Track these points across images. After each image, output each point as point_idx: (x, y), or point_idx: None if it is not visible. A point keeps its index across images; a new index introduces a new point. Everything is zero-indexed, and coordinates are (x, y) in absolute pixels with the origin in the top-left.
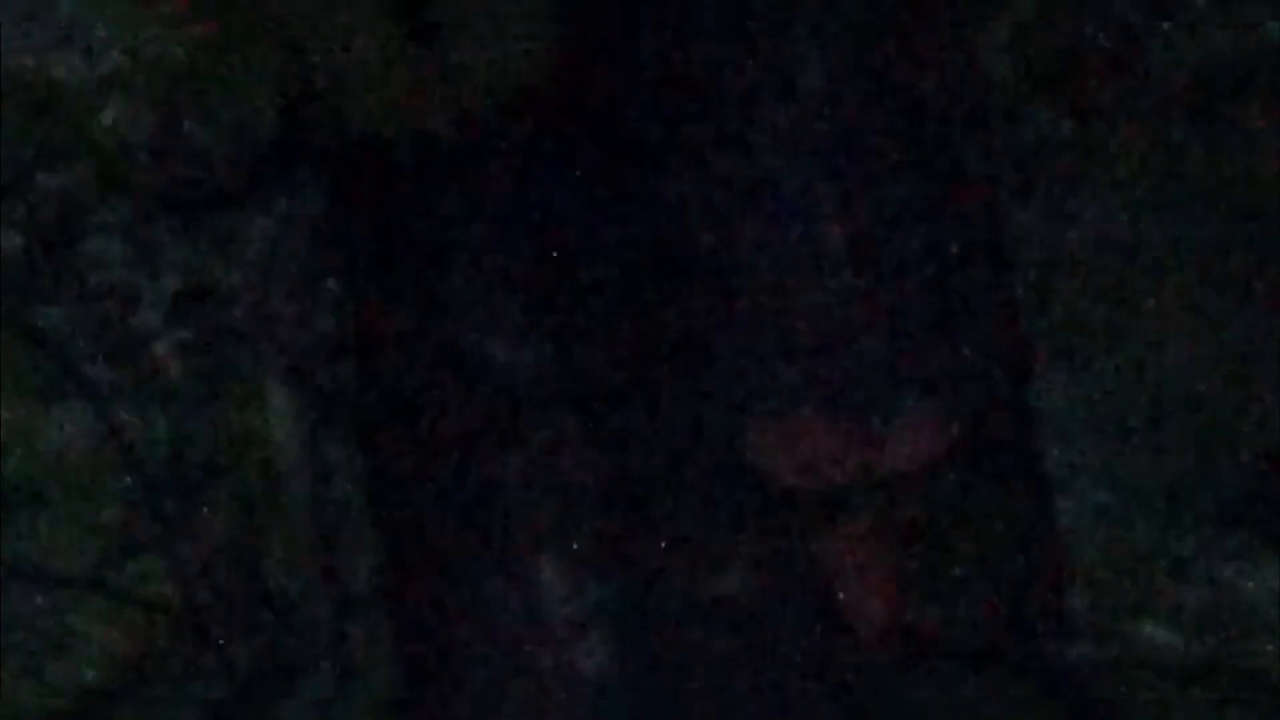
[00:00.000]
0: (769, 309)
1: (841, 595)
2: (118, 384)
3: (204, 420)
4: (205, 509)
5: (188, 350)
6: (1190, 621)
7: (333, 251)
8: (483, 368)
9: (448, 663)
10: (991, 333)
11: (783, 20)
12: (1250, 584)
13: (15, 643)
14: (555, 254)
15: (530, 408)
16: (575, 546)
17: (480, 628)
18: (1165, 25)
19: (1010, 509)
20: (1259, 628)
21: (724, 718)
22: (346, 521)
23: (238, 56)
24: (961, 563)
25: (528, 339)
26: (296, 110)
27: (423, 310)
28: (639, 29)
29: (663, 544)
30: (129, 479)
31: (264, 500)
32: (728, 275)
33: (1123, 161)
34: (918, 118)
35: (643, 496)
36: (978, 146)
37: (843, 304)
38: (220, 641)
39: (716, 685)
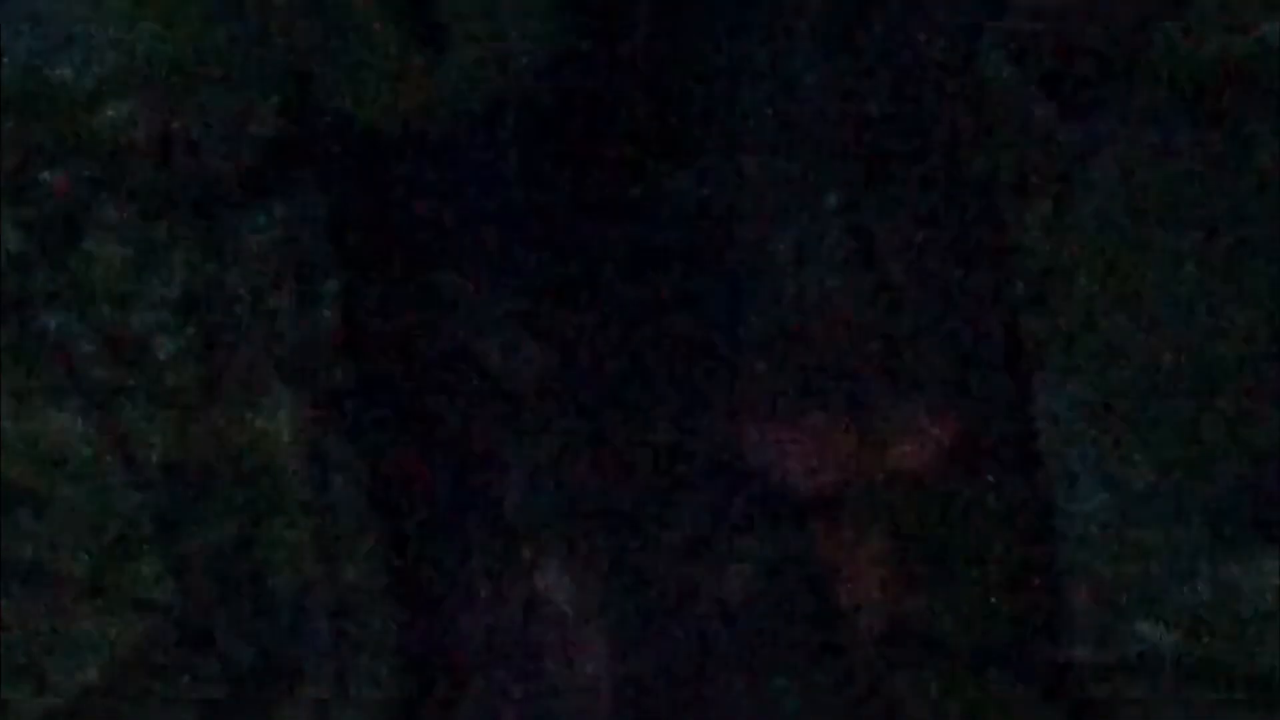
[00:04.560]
0: (769, 309)
1: (841, 595)
2: (118, 384)
3: (204, 420)
4: (205, 509)
5: (188, 350)
6: (1190, 621)
7: (333, 251)
8: (483, 368)
9: (448, 663)
10: (991, 333)
11: (783, 19)
12: (1250, 584)
13: (15, 643)
14: (556, 254)
15: (530, 408)
16: (575, 546)
17: (480, 628)
18: (1165, 25)
19: (1010, 509)
20: (1259, 628)
21: (724, 718)
22: (346, 521)
23: (238, 57)
24: (961, 563)
25: (528, 339)
26: (296, 110)
27: (423, 310)
28: (639, 28)
29: (663, 544)
30: (129, 479)
31: (264, 500)
32: (727, 275)
33: (1123, 161)
34: (918, 117)
35: (643, 497)
36: (978, 146)
37: (843, 304)
38: (220, 641)
39: (716, 685)
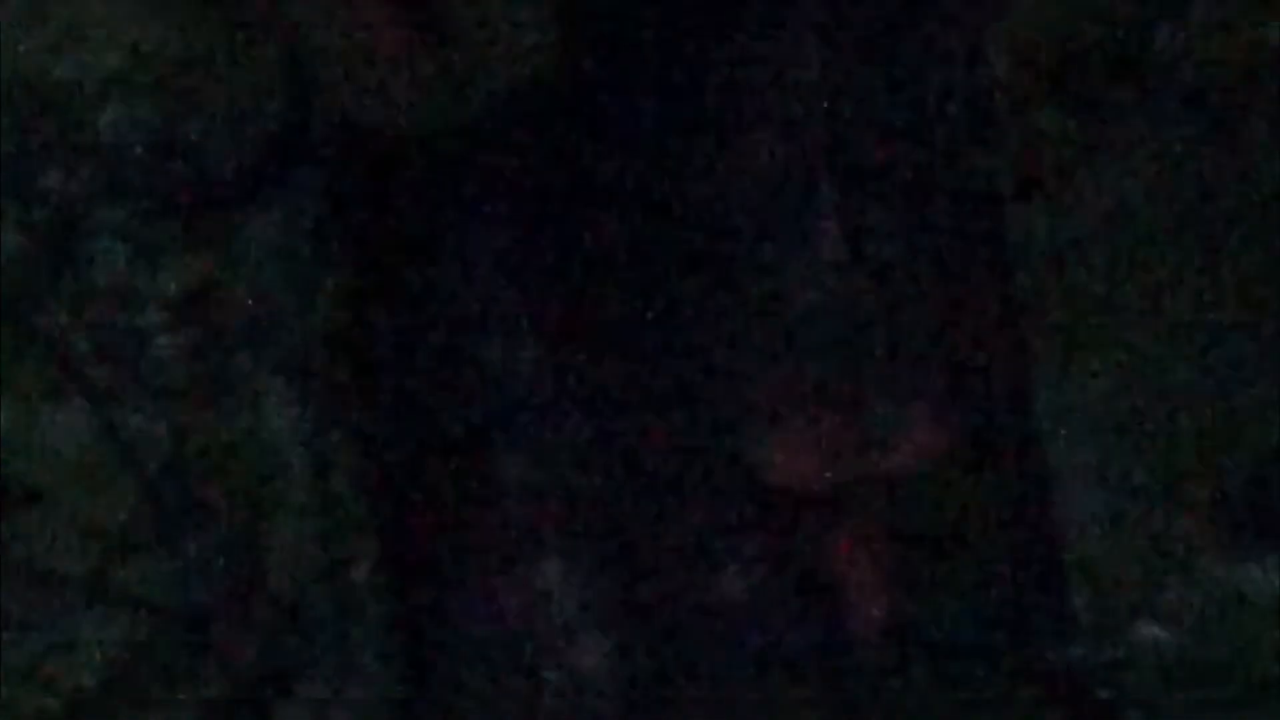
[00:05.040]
0: (769, 309)
1: (841, 595)
2: (118, 384)
3: (204, 420)
4: (205, 509)
5: (188, 350)
6: (1190, 621)
7: (333, 251)
8: (483, 368)
9: (448, 663)
10: (991, 333)
11: (783, 19)
12: (1250, 584)
13: (15, 643)
14: (556, 254)
15: (530, 408)
16: (575, 546)
17: (480, 628)
18: (1165, 25)
19: (1010, 509)
20: (1259, 628)
21: (724, 718)
22: (346, 521)
23: (238, 56)
24: (961, 563)
25: (528, 339)
26: (296, 110)
27: (423, 310)
28: (641, 27)
29: (663, 544)
30: (129, 479)
31: (264, 500)
32: (727, 275)
33: (1123, 161)
34: (918, 117)
35: (643, 496)
36: (978, 146)
37: (843, 304)
38: (220, 641)
39: (716, 685)
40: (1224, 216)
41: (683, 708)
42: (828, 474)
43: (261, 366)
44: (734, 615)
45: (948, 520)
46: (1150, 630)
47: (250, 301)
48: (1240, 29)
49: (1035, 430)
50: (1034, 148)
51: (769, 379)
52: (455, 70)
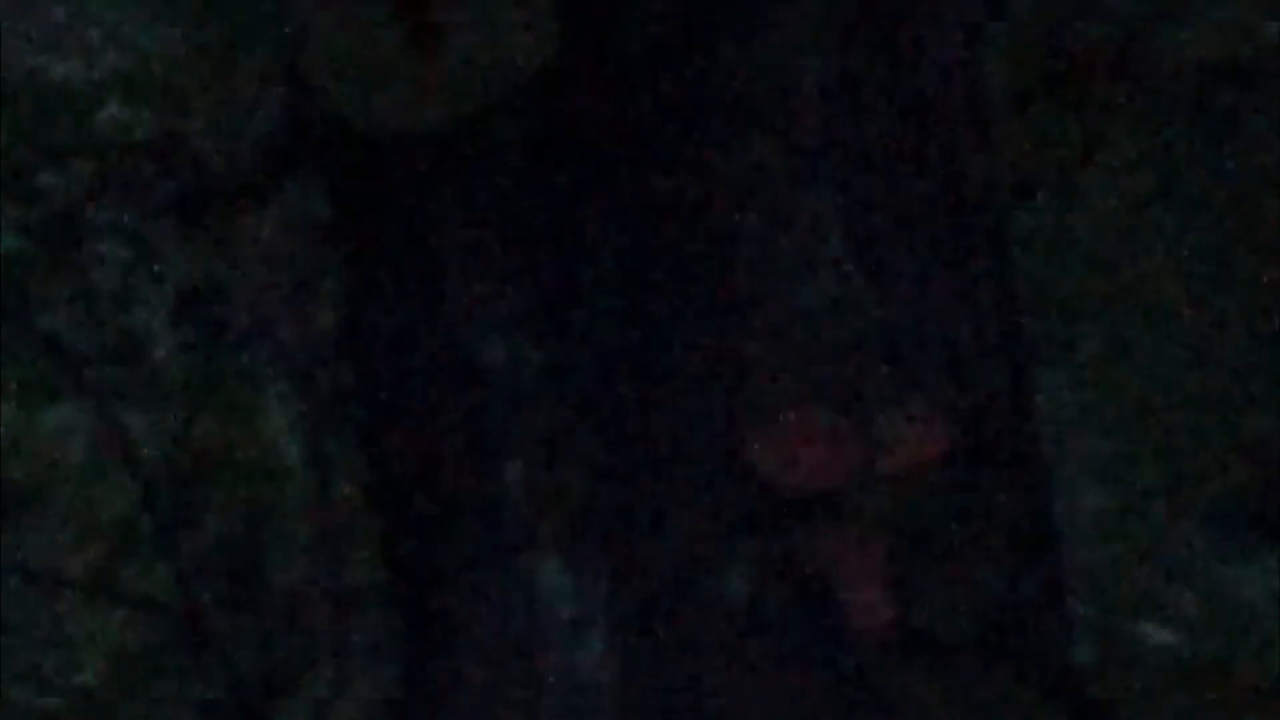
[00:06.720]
0: (768, 309)
1: (841, 595)
2: (118, 384)
3: (204, 420)
4: (205, 509)
5: (188, 350)
6: (1190, 621)
7: (333, 251)
8: (483, 368)
9: (448, 663)
10: (991, 332)
11: (782, 21)
12: (1250, 584)
13: (15, 643)
14: (555, 254)
15: (530, 408)
16: (575, 546)
17: (480, 628)
18: (1165, 25)
19: (1010, 509)
20: (1259, 628)
21: (724, 718)
22: (346, 521)
23: (238, 56)
24: (961, 563)
25: (528, 339)
26: (296, 110)
27: (423, 310)
28: (638, 30)
29: (663, 544)
30: (129, 479)
31: (264, 500)
32: (727, 275)
33: (1123, 161)
34: (918, 117)
35: (642, 497)
36: (978, 147)
37: (842, 304)
38: (220, 641)
39: (716, 685)
40: (1223, 216)
41: (683, 708)
42: (828, 474)
43: (261, 366)
44: (734, 615)
45: (947, 520)
46: (1150, 630)
47: (250, 301)
48: (1240, 29)
49: (1035, 430)
50: (1034, 148)
51: (770, 380)
52: (452, 72)
